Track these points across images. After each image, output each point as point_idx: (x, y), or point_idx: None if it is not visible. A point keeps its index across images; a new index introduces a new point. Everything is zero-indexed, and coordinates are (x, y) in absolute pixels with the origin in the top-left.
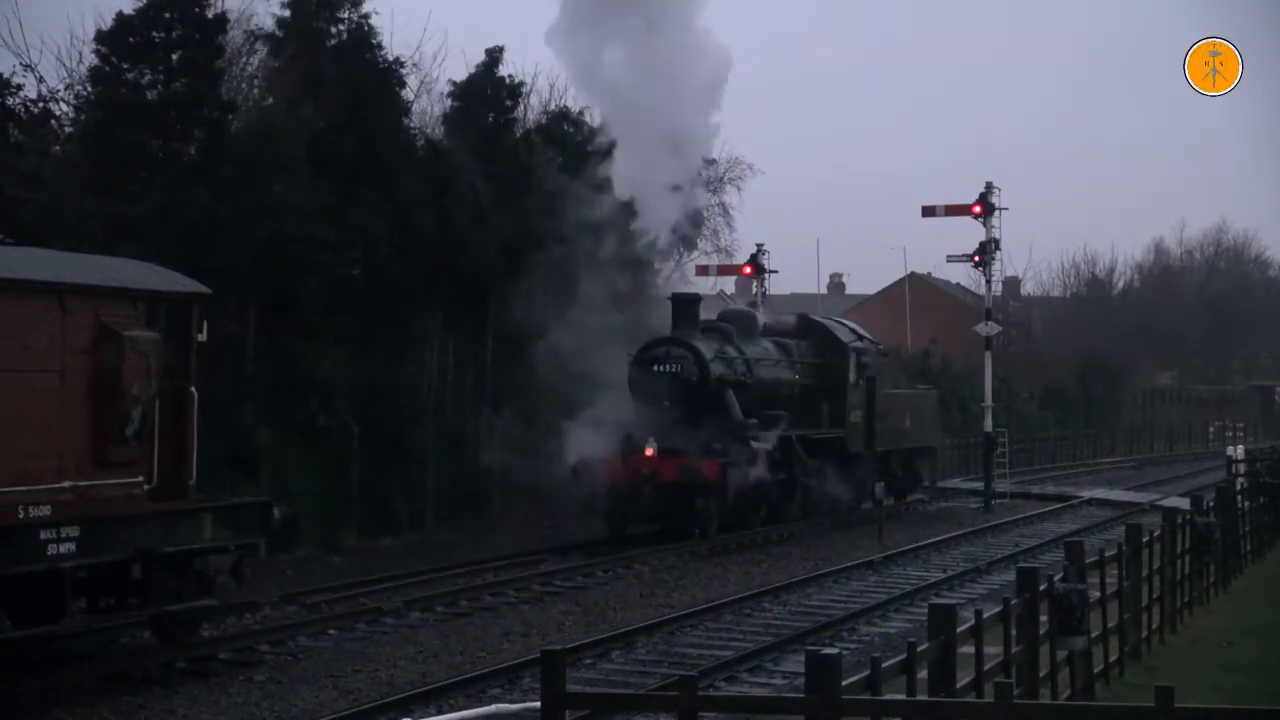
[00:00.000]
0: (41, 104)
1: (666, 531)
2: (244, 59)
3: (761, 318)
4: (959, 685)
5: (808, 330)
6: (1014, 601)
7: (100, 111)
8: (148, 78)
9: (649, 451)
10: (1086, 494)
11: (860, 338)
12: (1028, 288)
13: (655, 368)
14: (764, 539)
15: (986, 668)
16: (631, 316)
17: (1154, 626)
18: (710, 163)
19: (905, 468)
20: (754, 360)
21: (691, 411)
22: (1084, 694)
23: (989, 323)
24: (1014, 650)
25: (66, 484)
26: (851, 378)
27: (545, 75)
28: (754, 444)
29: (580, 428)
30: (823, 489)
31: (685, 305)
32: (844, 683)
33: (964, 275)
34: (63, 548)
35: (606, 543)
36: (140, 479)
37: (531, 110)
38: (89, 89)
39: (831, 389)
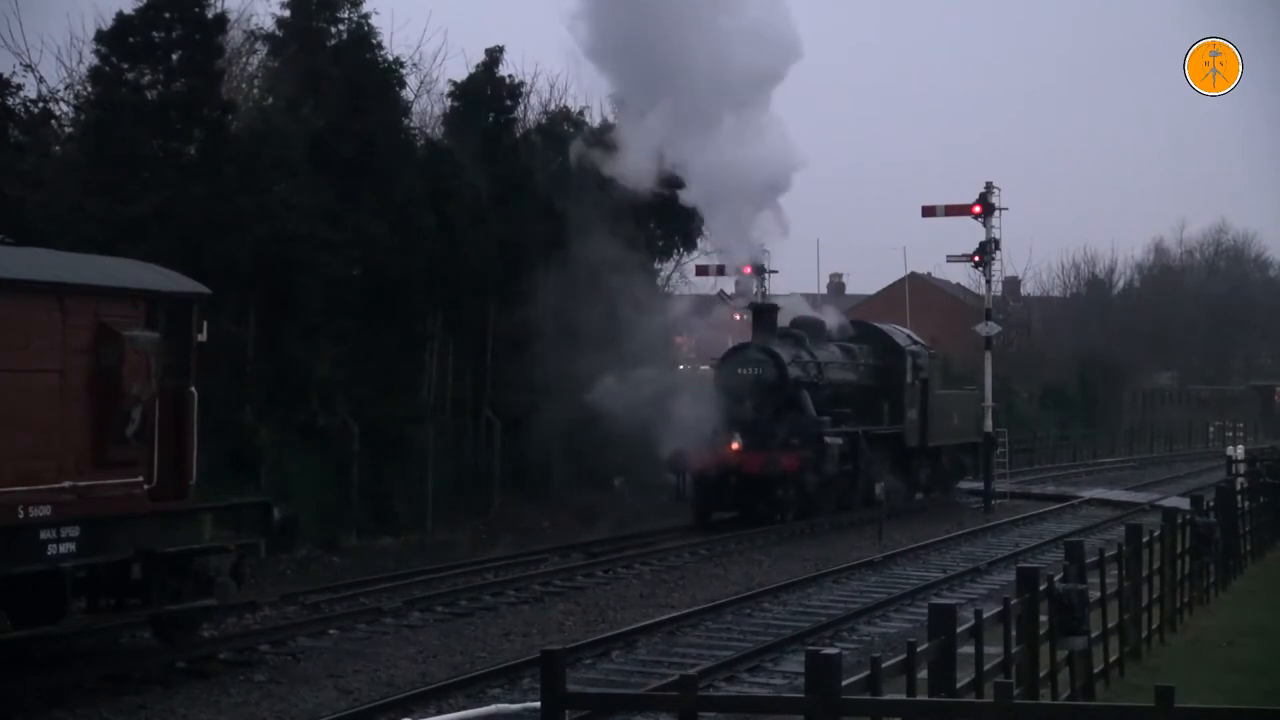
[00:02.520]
0: (41, 104)
1: (749, 517)
2: (244, 59)
3: (828, 322)
4: (959, 685)
5: (868, 335)
6: (1014, 601)
7: (100, 111)
8: (148, 78)
9: (735, 446)
10: (1086, 494)
11: (915, 342)
12: (1028, 288)
13: (739, 370)
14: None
15: (986, 668)
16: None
17: (1154, 626)
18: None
19: (953, 462)
20: (824, 363)
21: (771, 410)
22: (1084, 694)
23: (989, 323)
24: (1014, 650)
25: (66, 484)
26: (908, 379)
27: (545, 75)
28: (827, 439)
29: (671, 424)
30: (883, 480)
31: (765, 314)
32: (844, 683)
33: (964, 275)
34: (63, 548)
35: (611, 540)
36: (140, 479)
37: (531, 110)
38: (89, 89)
39: (890, 389)
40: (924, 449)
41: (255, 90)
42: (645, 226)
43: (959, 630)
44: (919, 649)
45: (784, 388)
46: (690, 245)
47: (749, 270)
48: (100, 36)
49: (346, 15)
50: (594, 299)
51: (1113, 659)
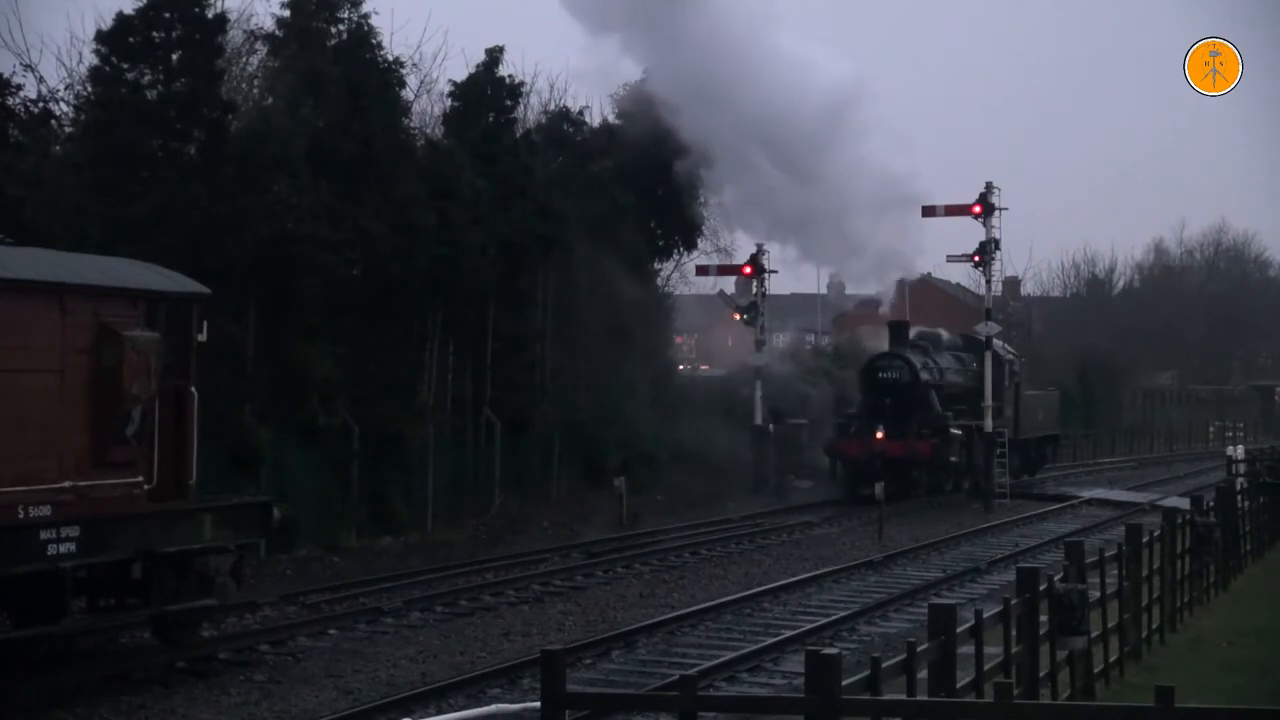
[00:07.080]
0: (41, 104)
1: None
2: (244, 59)
3: (944, 335)
4: (959, 685)
5: (973, 345)
6: (1014, 601)
7: (100, 111)
8: (148, 78)
9: (879, 435)
10: (1086, 494)
11: (1009, 352)
12: (1028, 288)
13: (880, 375)
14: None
15: (986, 668)
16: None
17: (1154, 626)
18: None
19: (1038, 451)
20: (944, 369)
21: (905, 407)
22: (1084, 694)
23: (989, 323)
24: (1014, 650)
25: (66, 484)
26: (1006, 382)
27: (545, 75)
28: (952, 431)
29: (826, 421)
30: (987, 466)
31: (899, 328)
32: (844, 683)
33: (964, 275)
34: (63, 548)
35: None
36: (140, 479)
37: (531, 110)
38: (89, 89)
39: (993, 391)
40: (1018, 441)
41: (255, 90)
42: (646, 225)
43: (959, 630)
44: (919, 649)
45: (917, 388)
46: (690, 245)
47: (748, 270)
48: (100, 36)
49: (346, 15)
50: (594, 299)
51: (1113, 659)
